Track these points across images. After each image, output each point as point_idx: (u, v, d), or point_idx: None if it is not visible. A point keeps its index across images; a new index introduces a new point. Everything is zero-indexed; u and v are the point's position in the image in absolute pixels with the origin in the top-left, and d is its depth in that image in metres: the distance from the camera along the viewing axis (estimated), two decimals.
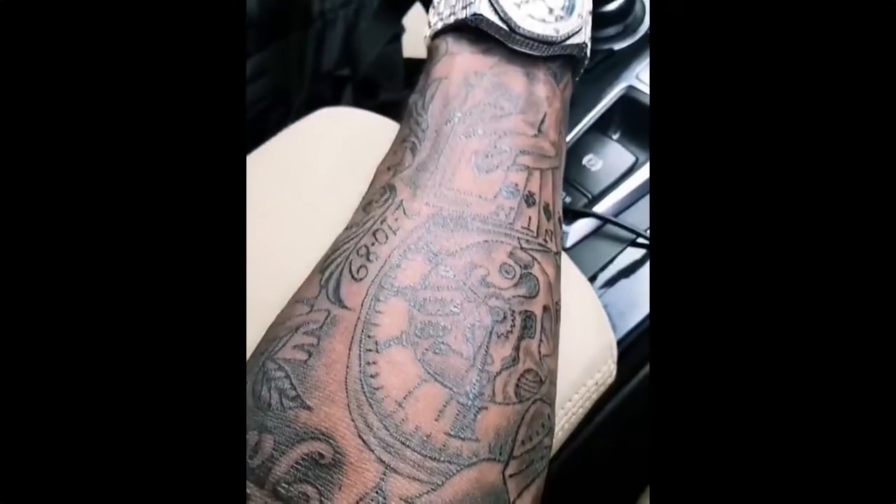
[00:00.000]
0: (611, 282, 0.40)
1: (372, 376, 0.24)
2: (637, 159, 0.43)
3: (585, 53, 0.33)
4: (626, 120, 0.45)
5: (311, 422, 0.23)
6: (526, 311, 0.26)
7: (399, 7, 0.58)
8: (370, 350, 0.24)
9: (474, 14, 0.30)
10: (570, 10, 0.31)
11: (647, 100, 0.45)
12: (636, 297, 0.39)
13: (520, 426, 0.25)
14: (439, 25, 0.32)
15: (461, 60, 0.31)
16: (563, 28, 0.30)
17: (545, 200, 0.30)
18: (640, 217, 0.41)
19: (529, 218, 0.28)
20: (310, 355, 0.24)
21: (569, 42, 0.31)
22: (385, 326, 0.24)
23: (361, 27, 0.57)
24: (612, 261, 0.40)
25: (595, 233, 0.41)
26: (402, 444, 0.23)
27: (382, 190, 0.29)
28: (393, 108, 0.60)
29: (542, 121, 0.31)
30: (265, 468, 0.23)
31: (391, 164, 0.30)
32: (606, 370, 0.35)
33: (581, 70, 0.35)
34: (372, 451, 0.23)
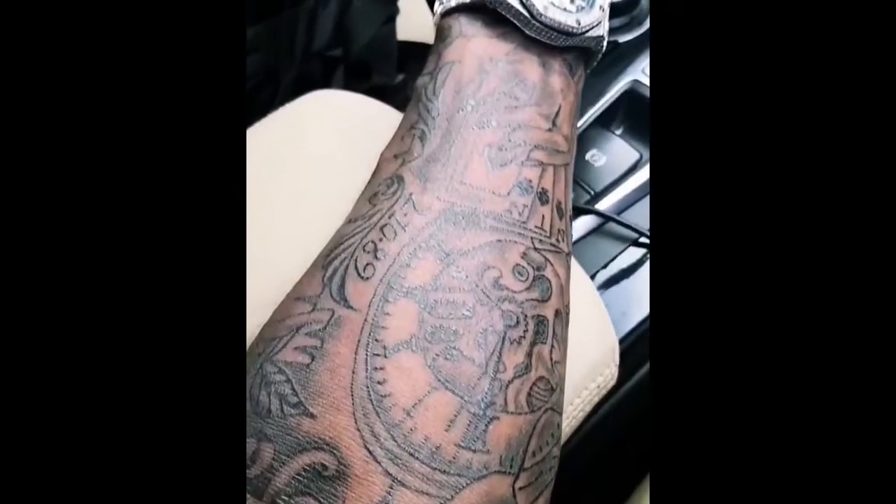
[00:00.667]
0: (611, 281, 0.39)
1: (379, 383, 0.22)
2: (641, 157, 0.42)
3: (601, 47, 0.32)
4: (631, 115, 0.44)
5: (313, 430, 0.22)
6: (538, 316, 0.25)
7: None
8: (377, 355, 0.23)
9: None
10: (590, 1, 0.30)
11: None
12: (637, 298, 0.38)
13: (531, 437, 0.24)
14: (452, 3, 0.30)
15: (476, 44, 0.29)
16: (585, 19, 0.29)
17: (557, 198, 0.28)
18: (642, 216, 0.40)
19: (542, 217, 0.27)
20: (313, 358, 0.23)
21: (588, 34, 0.30)
22: (394, 330, 0.23)
23: (355, 6, 0.55)
24: (612, 260, 0.39)
25: (596, 230, 0.40)
26: (411, 455, 0.22)
27: (390, 181, 0.27)
28: (385, 93, 0.58)
29: (557, 114, 0.29)
30: (264, 479, 0.21)
31: (398, 152, 0.28)
32: (609, 374, 0.34)
33: (594, 63, 0.33)
34: (378, 462, 0.21)
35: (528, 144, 0.28)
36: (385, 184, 0.27)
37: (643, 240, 0.40)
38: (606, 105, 0.44)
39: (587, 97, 0.43)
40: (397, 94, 0.55)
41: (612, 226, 0.40)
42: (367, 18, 0.55)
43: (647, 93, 0.44)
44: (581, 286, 0.35)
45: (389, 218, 0.25)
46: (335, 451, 0.21)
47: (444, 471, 0.22)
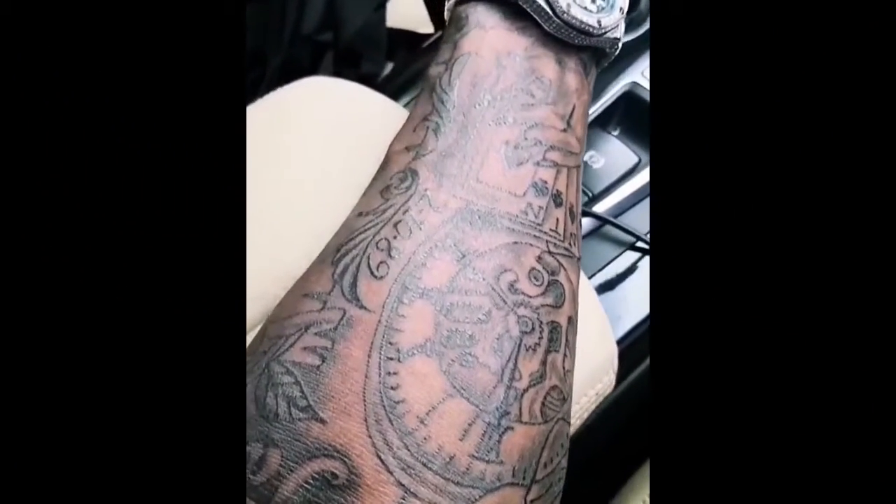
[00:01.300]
0: (608, 284, 0.39)
1: (393, 388, 0.21)
2: (640, 160, 0.42)
3: (616, 49, 0.31)
4: (629, 117, 0.44)
5: (323, 436, 0.21)
6: (553, 322, 0.24)
7: None
8: (391, 358, 0.22)
9: None
10: (611, 1, 0.29)
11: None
12: (633, 301, 0.38)
13: (543, 448, 0.23)
14: None
15: (494, 36, 0.28)
16: (606, 20, 0.28)
17: (570, 201, 0.28)
18: (640, 219, 0.40)
19: (557, 220, 0.26)
20: (323, 360, 0.22)
21: (606, 35, 0.29)
22: (408, 332, 0.22)
23: None
24: (609, 263, 0.39)
25: (594, 233, 0.39)
26: (424, 465, 0.21)
27: (402, 175, 0.26)
28: (372, 82, 0.57)
29: (571, 114, 0.29)
30: (271, 486, 0.20)
31: (410, 145, 0.27)
32: (608, 380, 0.33)
33: (605, 64, 0.33)
34: (391, 472, 0.20)
35: (544, 144, 0.27)
36: (398, 177, 0.26)
37: (640, 244, 0.39)
38: (605, 106, 0.43)
39: None
40: (386, 85, 0.54)
41: (610, 229, 0.39)
42: (358, 4, 0.54)
43: (645, 95, 0.43)
44: (583, 292, 0.34)
45: (404, 214, 0.24)
46: (346, 459, 0.20)
47: (458, 482, 0.21)
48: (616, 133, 0.44)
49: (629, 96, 0.44)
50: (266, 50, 0.52)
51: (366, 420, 0.21)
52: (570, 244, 0.27)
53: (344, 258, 0.24)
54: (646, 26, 0.47)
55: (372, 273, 0.23)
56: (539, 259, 0.25)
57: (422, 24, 0.64)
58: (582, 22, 0.28)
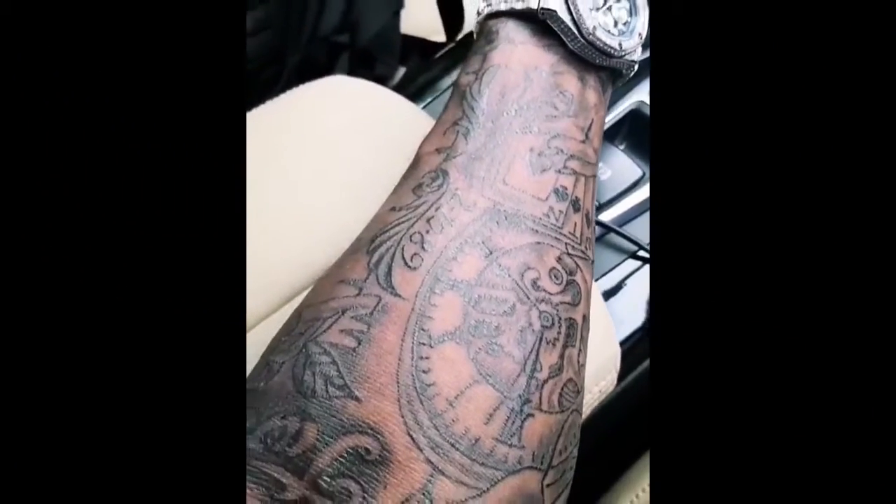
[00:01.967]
0: (611, 290, 0.40)
1: (424, 371, 0.23)
2: (644, 173, 0.43)
3: (632, 70, 0.33)
4: (634, 133, 0.46)
5: (358, 413, 0.22)
6: (570, 319, 0.26)
7: None
8: (423, 344, 0.23)
9: (545, 9, 0.29)
10: (631, 26, 0.31)
11: None
12: (633, 307, 0.40)
13: (559, 436, 0.25)
14: (503, 7, 0.31)
15: (522, 51, 0.30)
16: (626, 44, 0.30)
17: (587, 207, 0.29)
18: (643, 229, 0.42)
19: (575, 224, 0.28)
20: (359, 343, 0.23)
21: (625, 57, 0.31)
22: (439, 320, 0.23)
23: None
24: (612, 269, 0.41)
25: (599, 240, 0.41)
26: (451, 445, 0.22)
27: (434, 174, 0.27)
28: (385, 84, 0.58)
29: (590, 127, 0.30)
30: (306, 458, 0.21)
31: (440, 147, 0.29)
32: (610, 379, 0.35)
33: (620, 84, 0.34)
34: (421, 450, 0.22)
35: (566, 153, 0.29)
36: (430, 176, 0.27)
37: (642, 253, 0.41)
38: (613, 122, 0.45)
39: None
40: (400, 91, 0.55)
41: (614, 237, 0.41)
42: (376, 8, 0.55)
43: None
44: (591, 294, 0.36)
45: (436, 210, 0.26)
46: (379, 436, 0.22)
47: (483, 463, 0.22)
48: (622, 147, 0.46)
49: (635, 114, 0.46)
50: (285, 49, 0.53)
51: (398, 400, 0.22)
52: (585, 247, 0.28)
53: (379, 248, 0.25)
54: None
55: (406, 264, 0.25)
56: (559, 259, 0.27)
57: (434, 32, 0.66)
58: (605, 44, 0.29)
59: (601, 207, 0.42)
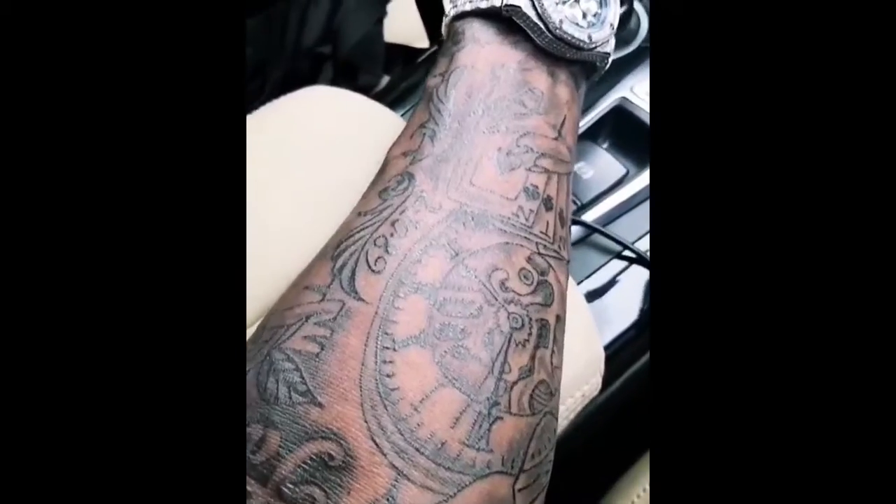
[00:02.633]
0: (594, 292, 0.40)
1: (388, 376, 0.22)
2: (628, 172, 0.43)
3: (606, 63, 0.33)
4: (617, 131, 0.45)
5: (321, 420, 0.22)
6: (542, 320, 0.26)
7: None
8: (387, 348, 0.23)
9: (509, 5, 0.29)
10: (601, 17, 0.30)
11: (640, 113, 0.44)
12: (619, 309, 0.39)
13: (531, 439, 0.24)
14: (468, 7, 0.30)
15: (489, 51, 0.30)
16: (596, 36, 0.30)
17: (560, 206, 0.29)
18: (627, 229, 0.41)
19: (547, 223, 0.28)
20: (322, 348, 0.23)
21: (596, 50, 0.30)
22: (403, 324, 0.23)
23: (346, 5, 0.55)
24: (596, 271, 0.40)
25: (582, 241, 0.41)
26: (416, 450, 0.22)
27: (400, 177, 0.27)
28: (369, 94, 0.58)
29: (562, 124, 0.30)
30: (270, 465, 0.21)
31: (407, 150, 0.28)
32: (594, 382, 0.34)
33: (595, 78, 0.34)
34: (384, 455, 0.21)
35: (536, 151, 0.28)
36: (395, 180, 0.27)
37: (627, 252, 0.40)
38: (595, 120, 0.45)
39: None
40: (382, 97, 0.55)
41: (598, 237, 0.41)
42: (358, 18, 0.55)
43: (633, 110, 0.45)
44: (571, 296, 0.35)
45: (401, 214, 0.26)
46: (342, 442, 0.21)
47: (448, 467, 0.22)
48: (605, 146, 0.45)
49: (618, 111, 0.45)
50: (267, 62, 0.53)
51: (362, 405, 0.22)
52: (559, 247, 0.28)
53: (343, 254, 0.25)
54: (635, 44, 0.48)
55: (370, 268, 0.24)
56: (529, 259, 0.26)
57: (417, 38, 0.66)
58: (573, 37, 0.29)
59: (584, 207, 0.42)
